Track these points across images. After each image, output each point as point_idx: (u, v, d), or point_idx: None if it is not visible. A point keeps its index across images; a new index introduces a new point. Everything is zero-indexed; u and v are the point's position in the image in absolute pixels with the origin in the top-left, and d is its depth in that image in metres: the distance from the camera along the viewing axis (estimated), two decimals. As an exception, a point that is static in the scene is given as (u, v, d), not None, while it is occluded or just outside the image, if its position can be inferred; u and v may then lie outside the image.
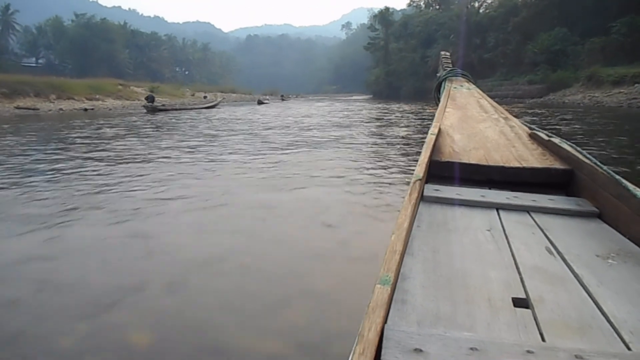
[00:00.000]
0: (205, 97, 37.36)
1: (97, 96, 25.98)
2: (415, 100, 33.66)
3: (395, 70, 57.23)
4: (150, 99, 19.72)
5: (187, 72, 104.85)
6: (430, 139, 1.87)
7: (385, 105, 25.43)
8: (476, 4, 49.18)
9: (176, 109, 20.95)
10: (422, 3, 62.53)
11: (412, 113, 16.83)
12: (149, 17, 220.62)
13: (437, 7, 58.97)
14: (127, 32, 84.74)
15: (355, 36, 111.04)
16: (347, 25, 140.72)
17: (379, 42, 63.12)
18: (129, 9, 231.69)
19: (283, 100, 45.26)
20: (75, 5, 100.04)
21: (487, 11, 46.87)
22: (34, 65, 66.37)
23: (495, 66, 40.57)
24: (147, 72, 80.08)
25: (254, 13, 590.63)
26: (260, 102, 31.77)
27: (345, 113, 17.51)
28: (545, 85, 28.00)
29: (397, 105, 24.23)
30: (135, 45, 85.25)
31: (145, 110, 18.80)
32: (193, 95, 39.99)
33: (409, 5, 64.26)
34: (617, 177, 1.31)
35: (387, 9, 61.13)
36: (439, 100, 2.86)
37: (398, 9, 64.32)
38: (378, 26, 63.21)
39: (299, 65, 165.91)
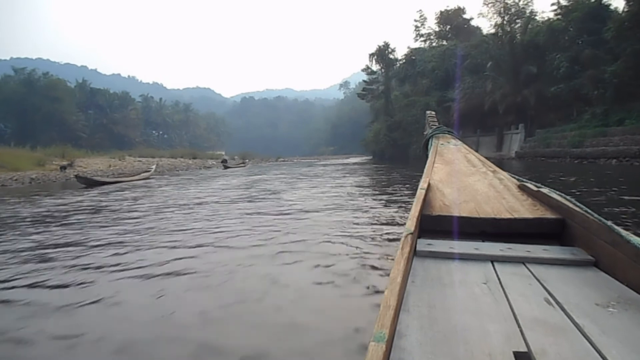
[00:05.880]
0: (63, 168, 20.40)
1: None
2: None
3: (400, 122, 40.96)
4: None
5: (165, 136, 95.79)
6: (420, 193, 1.87)
7: (373, 188, 7.82)
8: (518, 23, 32.99)
9: None
10: (432, 36, 47.24)
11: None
12: (148, 83, 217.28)
13: (454, 38, 43.62)
14: (86, 90, 72.86)
15: (354, 94, 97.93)
16: (345, 84, 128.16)
17: (377, 88, 47.06)
18: (129, 76, 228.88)
19: (226, 167, 27.65)
20: (77, 74, 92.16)
21: (549, 20, 30.30)
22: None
23: (570, 104, 23.67)
24: (109, 135, 69.00)
25: (257, 79, 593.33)
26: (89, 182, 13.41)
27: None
28: None
29: (405, 186, 6.29)
30: (95, 105, 73.41)
31: None
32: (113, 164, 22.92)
33: (415, 39, 48.72)
34: (610, 223, 1.28)
35: (386, 45, 45.43)
36: (428, 157, 2.87)
37: (399, 55, 47.37)
38: (375, 67, 47.28)
39: (295, 126, 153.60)
